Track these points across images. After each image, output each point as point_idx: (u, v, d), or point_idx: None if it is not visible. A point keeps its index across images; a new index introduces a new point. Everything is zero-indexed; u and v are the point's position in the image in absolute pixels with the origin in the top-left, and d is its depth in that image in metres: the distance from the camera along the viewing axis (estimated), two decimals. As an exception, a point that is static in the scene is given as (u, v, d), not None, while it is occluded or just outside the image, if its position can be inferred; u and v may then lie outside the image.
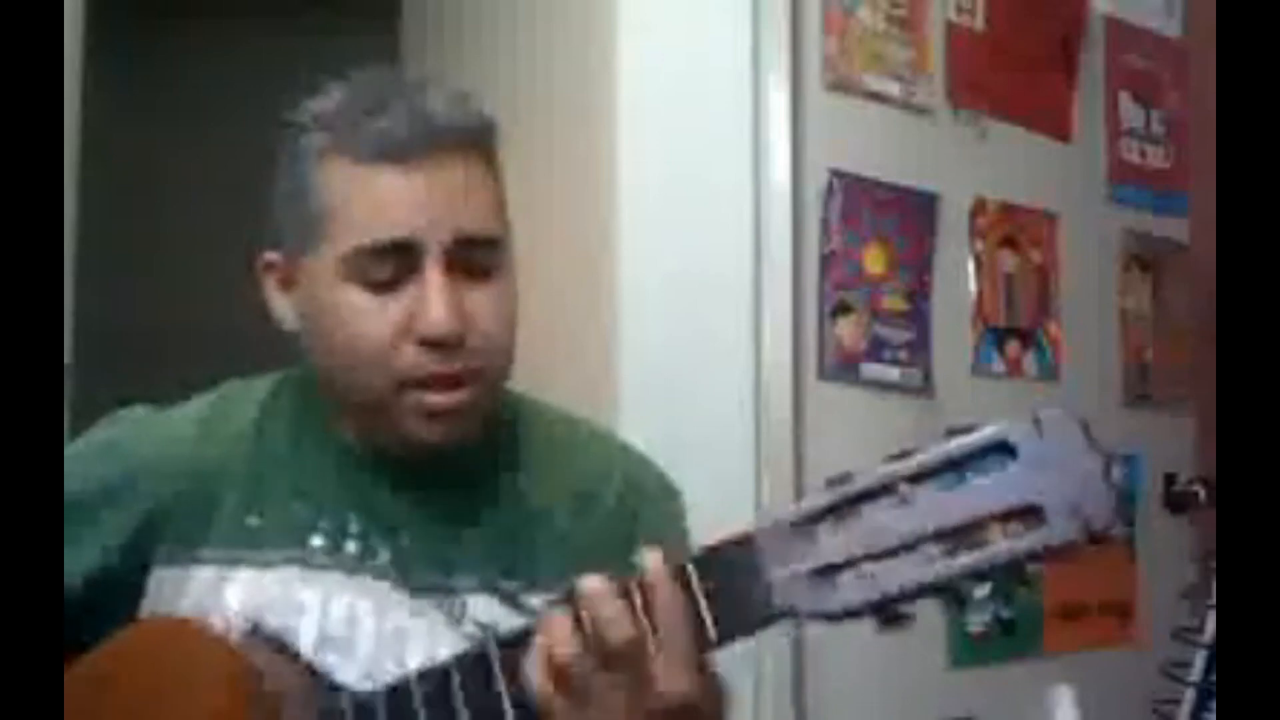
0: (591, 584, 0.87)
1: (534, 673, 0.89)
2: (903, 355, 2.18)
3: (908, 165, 2.22)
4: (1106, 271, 2.54)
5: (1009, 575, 0.79)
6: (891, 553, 0.81)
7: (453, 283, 1.02)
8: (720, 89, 2.06)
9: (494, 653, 0.92)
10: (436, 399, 1.03)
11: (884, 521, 0.81)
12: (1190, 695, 1.36)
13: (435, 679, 0.94)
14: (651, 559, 0.87)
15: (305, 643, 1.03)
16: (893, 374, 2.17)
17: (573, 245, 2.09)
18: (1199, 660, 1.36)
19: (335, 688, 1.00)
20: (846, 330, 2.12)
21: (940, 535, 0.79)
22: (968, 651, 2.20)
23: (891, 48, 2.22)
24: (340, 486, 1.09)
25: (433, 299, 1.01)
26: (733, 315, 2.03)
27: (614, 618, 0.86)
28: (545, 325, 2.00)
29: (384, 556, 1.07)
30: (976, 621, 2.20)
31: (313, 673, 1.01)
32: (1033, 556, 0.78)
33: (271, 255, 1.10)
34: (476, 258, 1.04)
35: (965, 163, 2.31)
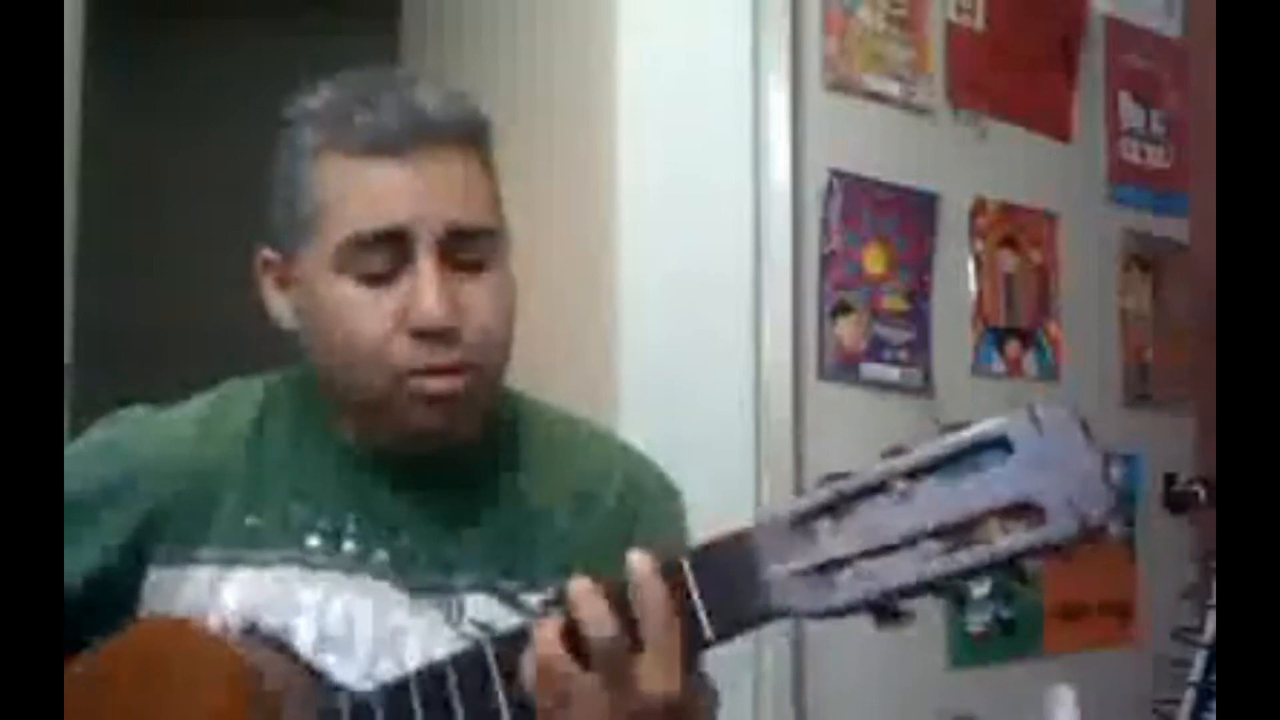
0: (577, 585, 0.87)
1: (529, 673, 0.89)
2: (903, 355, 2.18)
3: (908, 165, 2.22)
4: (1106, 271, 2.54)
5: (1008, 573, 0.79)
6: (889, 550, 0.80)
7: (446, 275, 1.02)
8: (720, 89, 2.06)
9: (490, 653, 0.92)
10: (435, 384, 1.02)
11: (881, 518, 0.81)
12: (1190, 695, 1.36)
13: (432, 679, 0.94)
14: (638, 560, 0.87)
15: (303, 642, 1.03)
16: (893, 374, 2.17)
17: (573, 245, 2.09)
18: (1199, 660, 1.36)
19: (334, 687, 1.00)
20: (846, 330, 2.12)
21: (938, 532, 0.79)
22: (968, 651, 2.20)
23: (891, 48, 2.22)
24: (339, 486, 1.09)
25: (425, 290, 1.01)
26: (733, 315, 2.03)
27: (597, 618, 0.86)
28: (545, 325, 2.00)
29: (382, 556, 1.07)
30: (976, 621, 2.20)
31: (311, 672, 1.01)
32: (1032, 554, 0.78)
33: (268, 254, 1.11)
34: (470, 250, 1.04)
35: (965, 163, 2.31)
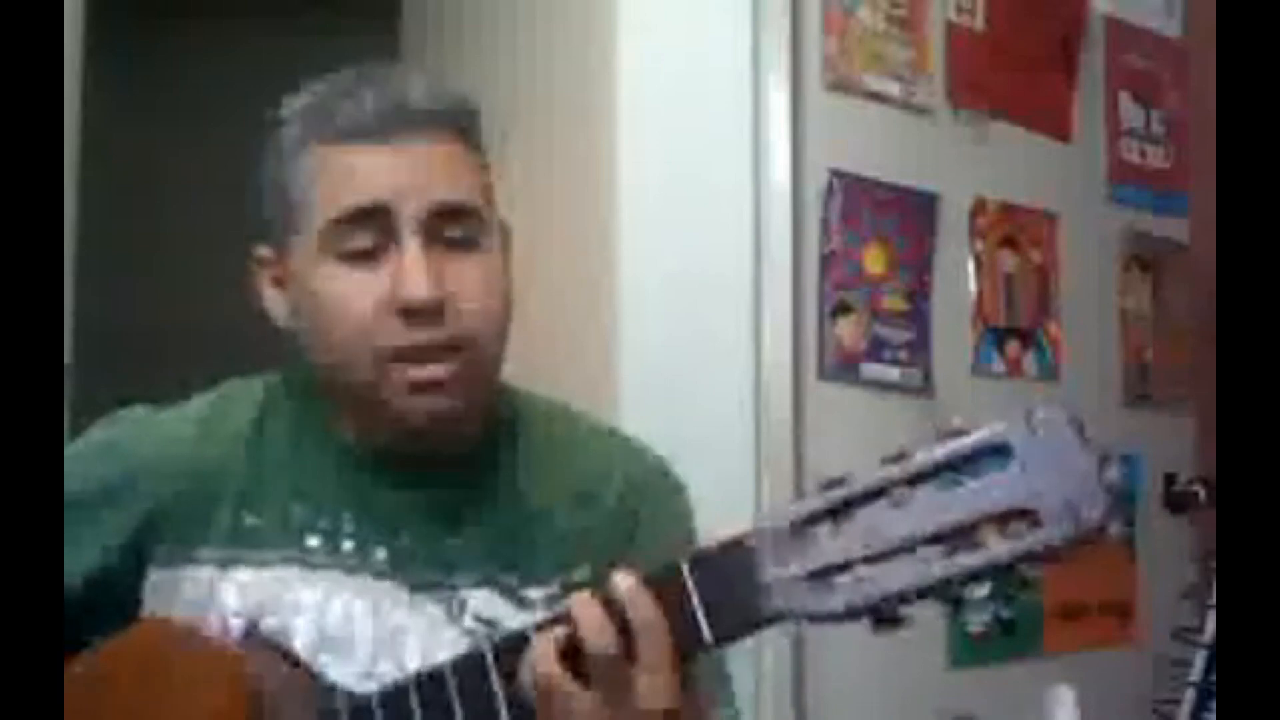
0: (578, 598, 0.88)
1: (528, 676, 0.89)
2: (903, 355, 2.18)
3: (908, 165, 2.22)
4: (1106, 271, 2.54)
5: (1006, 577, 0.79)
6: (888, 555, 0.80)
7: (432, 253, 1.02)
8: (720, 89, 2.06)
9: (490, 655, 0.92)
10: (419, 372, 1.02)
11: (880, 523, 0.81)
12: (1190, 695, 1.36)
13: (432, 681, 0.94)
14: (620, 579, 0.87)
15: (303, 642, 1.03)
16: (893, 374, 2.17)
17: (573, 245, 2.09)
18: (1199, 660, 1.36)
19: (333, 688, 1.00)
20: (846, 330, 2.12)
21: (937, 537, 0.79)
22: (968, 651, 2.20)
23: (891, 48, 2.22)
24: (339, 486, 1.09)
25: (409, 267, 1.01)
26: (733, 315, 2.03)
27: (596, 630, 0.86)
28: (545, 325, 2.01)
29: (382, 555, 1.07)
30: (976, 621, 2.20)
31: (311, 674, 1.01)
32: (1029, 558, 0.78)
33: (263, 251, 1.11)
34: (457, 230, 1.04)
35: (965, 163, 2.31)
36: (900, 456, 0.81)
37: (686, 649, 0.87)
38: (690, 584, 0.87)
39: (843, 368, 2.12)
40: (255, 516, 1.08)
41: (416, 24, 2.64)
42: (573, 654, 0.88)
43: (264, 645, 1.01)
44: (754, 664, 1.93)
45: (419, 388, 1.02)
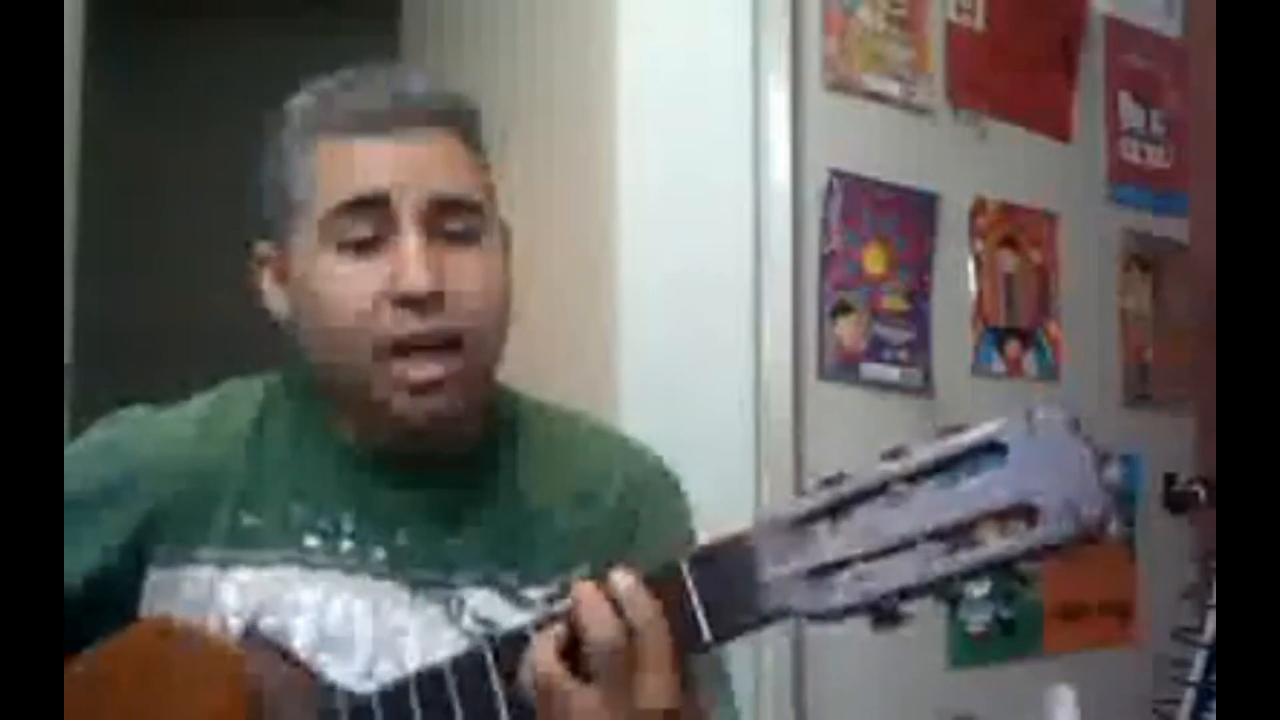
0: (581, 587, 0.88)
1: (528, 675, 0.89)
2: (903, 355, 2.18)
3: (908, 165, 2.22)
4: (1106, 271, 2.54)
5: (1006, 574, 0.79)
6: (887, 552, 0.81)
7: (432, 245, 1.03)
8: (720, 89, 2.06)
9: (490, 654, 0.92)
10: (417, 372, 1.02)
11: (880, 521, 0.81)
12: (1190, 695, 1.36)
13: (432, 680, 0.94)
14: (620, 578, 0.88)
15: (303, 642, 1.03)
16: (893, 374, 2.17)
17: (573, 245, 2.09)
18: (1199, 660, 1.36)
19: (333, 688, 1.00)
20: (846, 330, 2.12)
21: (936, 535, 0.80)
22: (968, 651, 2.20)
23: (891, 48, 2.22)
24: (338, 486, 1.09)
25: (408, 257, 1.01)
26: (733, 315, 2.03)
27: (600, 621, 0.87)
28: (545, 325, 2.01)
29: (381, 555, 1.07)
30: (976, 621, 2.20)
31: (311, 673, 1.01)
32: (1028, 556, 0.78)
33: (263, 246, 1.11)
34: (457, 223, 1.05)
35: (965, 163, 2.31)
36: (898, 454, 0.82)
37: (686, 648, 0.88)
38: (690, 583, 0.87)
39: (843, 368, 2.12)
40: (255, 517, 1.08)
41: (416, 24, 2.64)
42: (573, 652, 0.88)
43: (264, 645, 1.01)
44: (754, 664, 1.93)
45: (419, 389, 1.02)
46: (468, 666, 0.93)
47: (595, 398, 1.89)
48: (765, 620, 0.86)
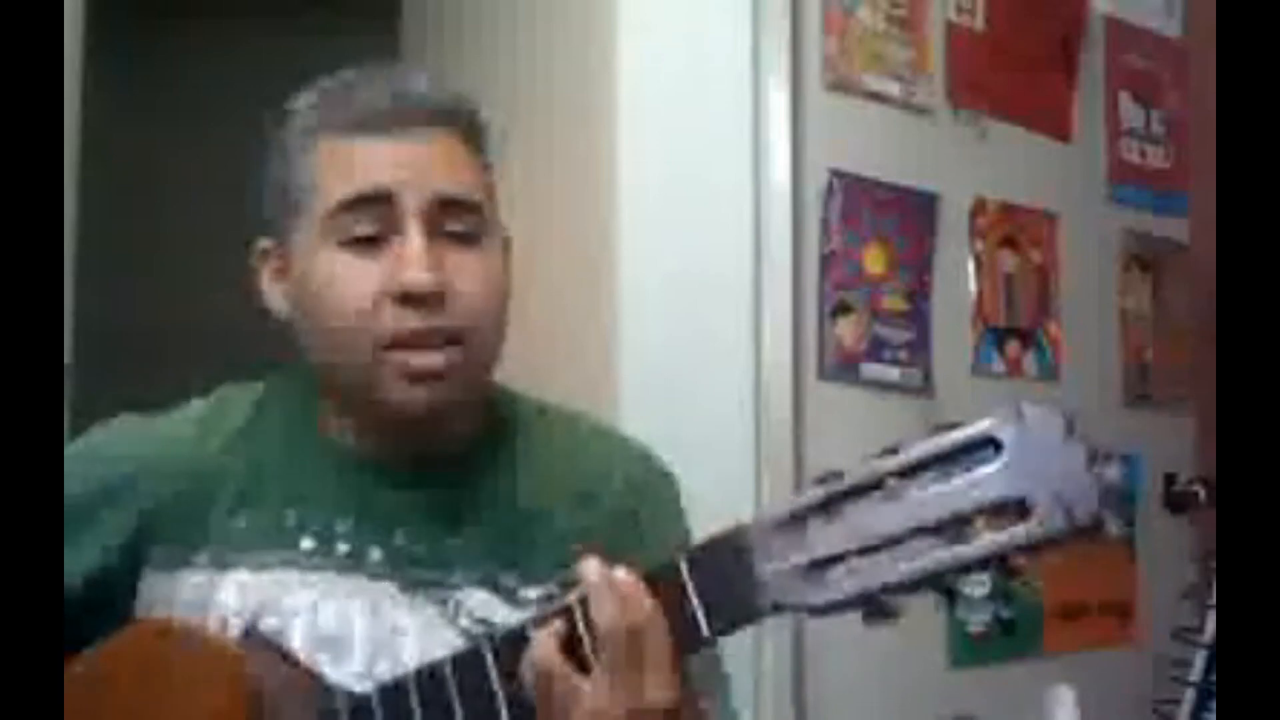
0: (590, 565, 0.89)
1: (528, 673, 0.90)
2: (903, 355, 2.18)
3: (908, 165, 2.22)
4: (1106, 271, 2.54)
5: (998, 569, 0.80)
6: (881, 547, 0.82)
7: (434, 244, 1.03)
8: (720, 89, 2.06)
9: (489, 653, 0.92)
10: (417, 360, 1.02)
11: (873, 517, 0.82)
12: (1190, 695, 1.36)
13: (431, 679, 0.94)
14: (622, 575, 0.89)
15: (300, 643, 1.03)
16: (893, 374, 2.17)
17: (573, 245, 2.09)
18: (1199, 660, 1.36)
19: (333, 688, 1.00)
20: (846, 330, 2.12)
21: (928, 530, 0.80)
22: (968, 651, 2.20)
23: (891, 48, 2.22)
24: (335, 488, 1.09)
25: (411, 255, 1.02)
26: (733, 315, 2.03)
27: (609, 610, 0.87)
28: (545, 325, 2.01)
29: (378, 555, 1.07)
30: (976, 621, 2.20)
31: (311, 673, 1.01)
32: (1020, 550, 0.79)
33: (264, 243, 1.11)
34: (458, 223, 1.05)
35: (965, 163, 2.31)
36: (892, 451, 0.82)
37: (685, 645, 0.88)
38: (688, 581, 0.88)
39: (843, 368, 2.12)
40: (252, 518, 1.08)
41: (416, 24, 2.64)
42: (573, 647, 0.88)
43: (264, 645, 1.01)
44: (753, 663, 1.93)
45: (417, 377, 1.03)
46: (468, 665, 0.93)
47: (595, 398, 1.89)
48: (762, 615, 0.86)
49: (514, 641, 0.92)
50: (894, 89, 2.21)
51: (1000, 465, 0.79)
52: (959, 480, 0.80)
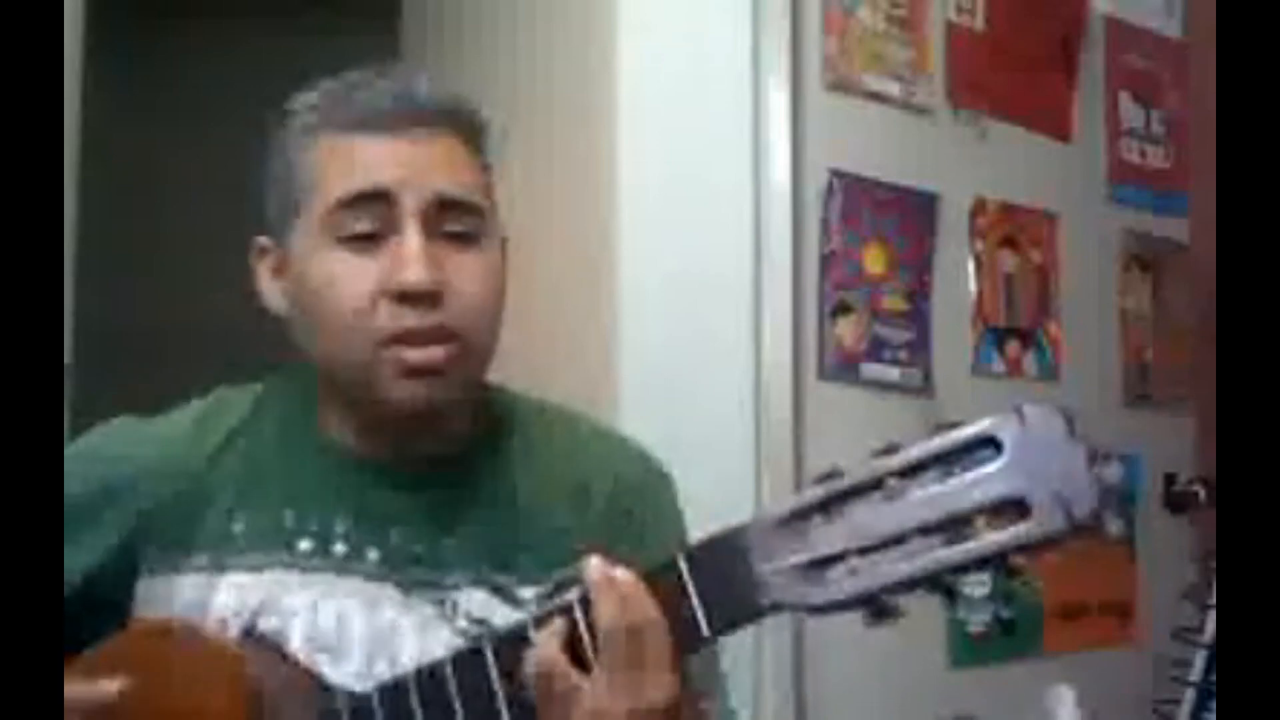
0: (594, 564, 0.89)
1: (529, 672, 0.90)
2: (903, 355, 2.18)
3: (908, 165, 2.22)
4: (1106, 271, 2.54)
5: (998, 568, 0.80)
6: (881, 546, 0.82)
7: (432, 243, 1.03)
8: (720, 89, 2.06)
9: (490, 652, 0.92)
10: (414, 355, 1.03)
11: (873, 516, 0.82)
12: (1190, 695, 1.36)
13: (431, 678, 0.94)
14: (622, 574, 0.89)
15: (299, 643, 1.03)
16: (893, 374, 2.17)
17: (573, 245, 2.09)
18: (1199, 660, 1.36)
19: (332, 688, 1.00)
20: (846, 330, 2.12)
21: (928, 529, 0.81)
22: (968, 651, 2.20)
23: (891, 48, 2.22)
24: (333, 488, 1.09)
25: (409, 254, 1.02)
26: (733, 315, 2.03)
27: (612, 607, 0.87)
28: (545, 325, 2.01)
29: (374, 556, 1.07)
30: (976, 621, 2.20)
31: (311, 673, 1.01)
32: (1019, 549, 0.79)
33: (264, 241, 1.11)
34: (457, 223, 1.05)
35: (965, 163, 2.31)
36: (891, 450, 0.83)
37: (685, 644, 0.88)
38: (688, 580, 0.88)
39: (843, 368, 2.12)
40: (250, 519, 1.08)
41: (416, 24, 2.64)
42: (574, 646, 0.89)
43: (264, 646, 1.02)
44: (754, 663, 1.93)
45: (414, 372, 1.03)
46: (468, 664, 0.93)
47: (595, 398, 1.89)
48: (761, 614, 0.87)
49: (514, 641, 0.92)
50: (894, 89, 2.21)
51: (1000, 465, 0.79)
52: (959, 480, 0.80)
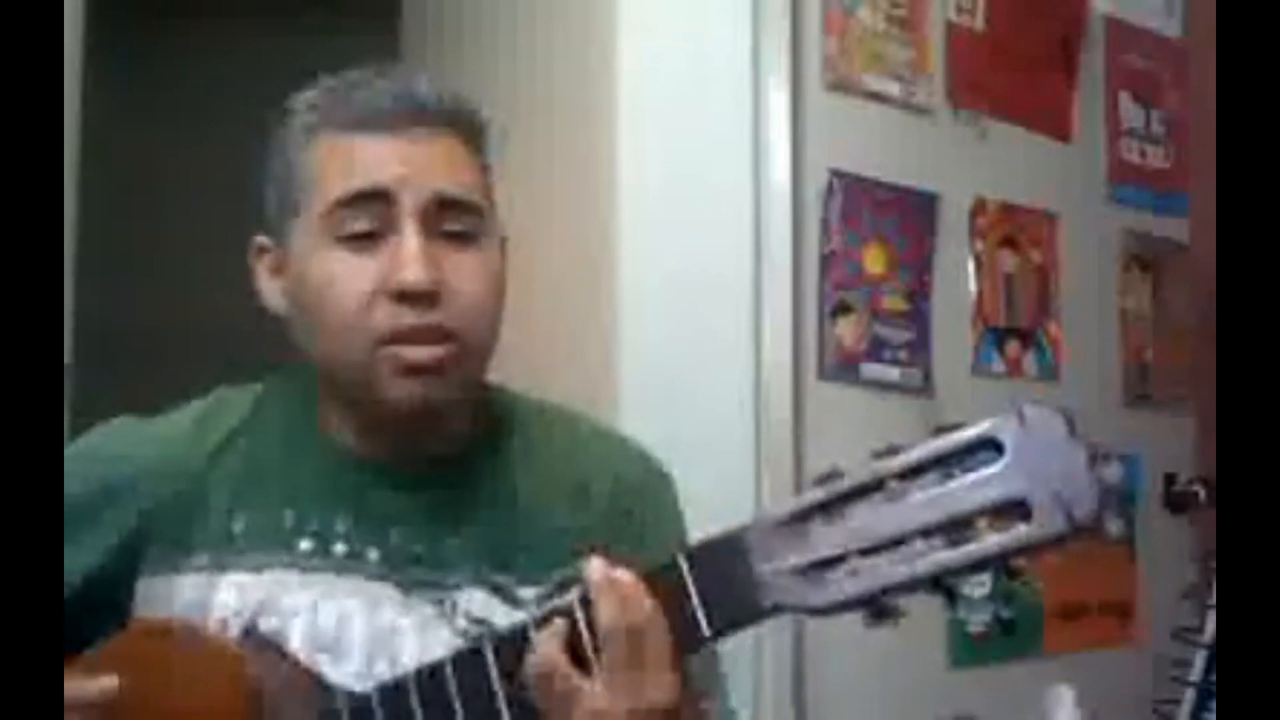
0: (595, 565, 0.89)
1: (529, 672, 0.90)
2: (903, 355, 2.18)
3: (908, 165, 2.22)
4: (1106, 271, 2.54)
5: (999, 570, 0.80)
6: (881, 548, 0.82)
7: (431, 243, 1.03)
8: (720, 89, 2.06)
9: (490, 652, 0.92)
10: (412, 354, 1.03)
11: (874, 517, 0.82)
12: (1190, 695, 1.36)
13: (432, 679, 0.94)
14: (622, 574, 0.89)
15: (299, 643, 1.03)
16: (893, 374, 2.17)
17: (573, 245, 2.09)
18: (1199, 660, 1.36)
19: (332, 688, 1.00)
20: (846, 330, 2.12)
21: (929, 531, 0.81)
22: (968, 651, 2.20)
23: (891, 48, 2.22)
24: (332, 488, 1.09)
25: (407, 253, 1.02)
26: (733, 315, 2.03)
27: (614, 608, 0.87)
28: (545, 325, 2.01)
29: (373, 555, 1.07)
30: (976, 621, 2.20)
31: (311, 673, 1.01)
32: (1020, 551, 0.79)
33: (262, 240, 1.11)
34: (456, 223, 1.06)
35: (965, 163, 2.31)
36: (892, 451, 0.83)
37: (685, 645, 0.88)
38: (688, 581, 0.88)
39: (843, 368, 2.12)
40: (250, 519, 1.08)
41: (416, 24, 2.64)
42: (574, 647, 0.89)
43: (264, 646, 1.02)
44: (754, 664, 1.93)
45: (412, 370, 1.03)
46: (468, 665, 0.93)
47: (595, 398, 1.89)
48: (762, 615, 0.86)
49: (514, 641, 0.92)
50: (894, 89, 2.21)
51: (1001, 466, 0.79)
52: (960, 481, 0.80)
